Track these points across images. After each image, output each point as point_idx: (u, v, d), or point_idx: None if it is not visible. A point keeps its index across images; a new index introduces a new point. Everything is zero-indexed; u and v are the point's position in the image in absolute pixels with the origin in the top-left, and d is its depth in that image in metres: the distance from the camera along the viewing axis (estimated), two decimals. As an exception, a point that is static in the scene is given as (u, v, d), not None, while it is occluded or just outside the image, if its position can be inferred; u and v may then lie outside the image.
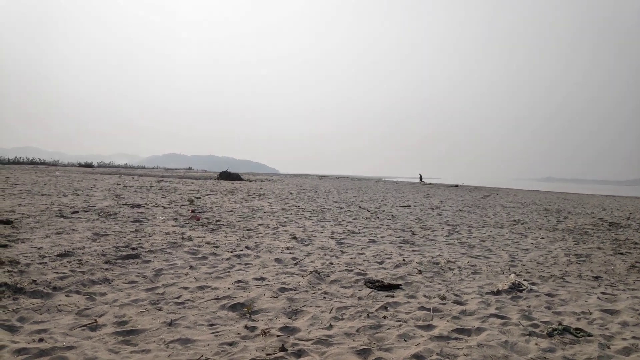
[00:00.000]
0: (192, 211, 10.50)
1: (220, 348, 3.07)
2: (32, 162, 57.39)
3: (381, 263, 6.00)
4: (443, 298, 4.49)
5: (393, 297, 4.48)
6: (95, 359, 2.79)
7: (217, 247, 6.46)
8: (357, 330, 3.52)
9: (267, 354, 3.00)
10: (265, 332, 3.38)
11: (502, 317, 3.98)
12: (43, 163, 59.62)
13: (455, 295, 4.64)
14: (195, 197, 14.48)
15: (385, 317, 3.88)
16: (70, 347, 2.93)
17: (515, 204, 20.44)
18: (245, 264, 5.56)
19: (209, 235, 7.46)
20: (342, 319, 3.80)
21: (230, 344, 3.14)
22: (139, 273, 4.85)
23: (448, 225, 10.77)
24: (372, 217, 11.79)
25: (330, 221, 10.31)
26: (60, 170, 34.83)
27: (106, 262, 5.14)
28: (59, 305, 3.71)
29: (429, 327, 3.66)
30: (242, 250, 6.32)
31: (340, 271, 5.40)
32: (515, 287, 4.88)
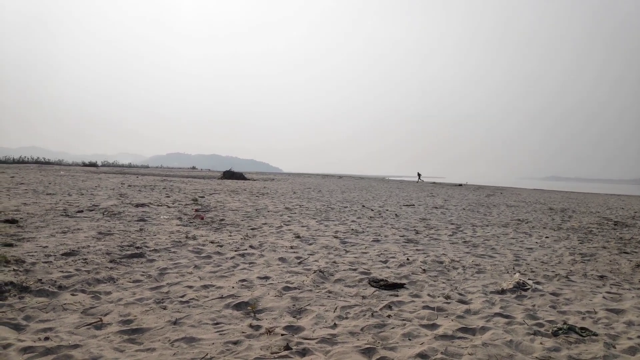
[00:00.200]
0: (196, 210, 10.53)
1: (225, 347, 3.08)
2: (37, 162, 57.65)
3: (385, 262, 6.00)
4: (447, 297, 4.48)
5: (397, 296, 4.47)
6: (101, 358, 2.80)
7: (221, 246, 6.47)
8: (362, 329, 3.52)
9: (272, 353, 3.01)
10: (269, 331, 3.39)
11: (506, 316, 3.97)
12: (48, 163, 59.88)
13: (460, 294, 4.63)
14: (199, 197, 14.51)
15: (389, 316, 3.88)
16: (75, 346, 2.94)
17: (519, 203, 20.37)
18: (250, 263, 5.57)
19: (213, 234, 7.47)
20: (347, 318, 3.80)
21: (235, 343, 3.15)
22: (143, 272, 4.86)
23: (452, 224, 10.74)
24: (375, 216, 11.78)
25: (334, 220, 10.31)
26: (65, 170, 34.97)
27: (111, 261, 5.16)
28: (65, 304, 3.73)
29: (433, 326, 3.66)
30: (246, 250, 6.33)
31: (344, 270, 5.40)
32: (520, 286, 4.87)
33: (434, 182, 58.40)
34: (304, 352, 3.06)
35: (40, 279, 4.22)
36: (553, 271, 5.88)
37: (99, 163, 68.13)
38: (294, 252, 6.34)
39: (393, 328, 3.58)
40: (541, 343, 3.37)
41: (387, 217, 11.56)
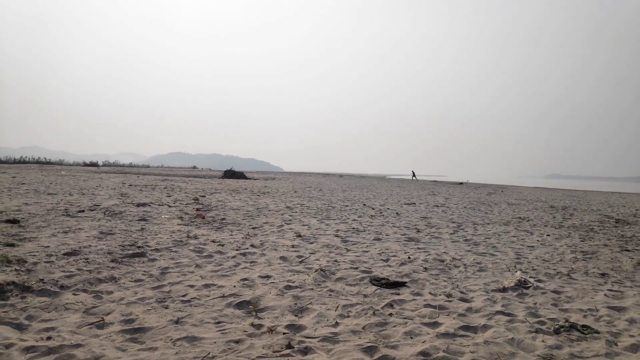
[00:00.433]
0: (198, 210, 10.53)
1: (226, 346, 3.08)
2: (38, 162, 57.72)
3: (386, 261, 6.00)
4: (449, 295, 4.48)
5: (399, 294, 4.47)
6: (103, 357, 2.81)
7: (222, 245, 6.48)
8: (363, 328, 3.53)
9: (274, 352, 3.01)
10: (271, 330, 3.39)
11: (508, 314, 3.97)
12: (49, 162, 59.94)
13: (461, 292, 4.63)
14: (200, 196, 14.52)
15: (391, 314, 3.88)
16: (77, 345, 2.94)
17: (520, 201, 20.36)
18: (251, 262, 5.58)
19: (215, 233, 7.48)
20: (348, 316, 3.80)
21: (237, 342, 3.15)
22: (145, 271, 4.87)
23: (453, 222, 10.74)
24: (376, 214, 11.78)
25: (335, 219, 10.31)
26: (66, 170, 35.01)
27: (112, 261, 5.16)
28: (66, 303, 3.73)
29: (435, 325, 3.66)
30: (247, 249, 6.33)
31: (345, 269, 5.40)
32: (521, 284, 4.87)
33: (435, 181, 58.37)
34: (305, 351, 3.06)
35: (42, 279, 4.23)
36: (554, 269, 5.88)
37: (100, 163, 68.19)
38: (295, 251, 6.35)
39: (395, 326, 3.58)
40: (543, 341, 3.37)
41: (388, 216, 11.56)
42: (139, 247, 5.96)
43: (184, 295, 4.13)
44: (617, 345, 3.34)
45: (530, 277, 5.28)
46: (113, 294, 4.07)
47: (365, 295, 4.39)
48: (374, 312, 3.88)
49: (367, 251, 6.61)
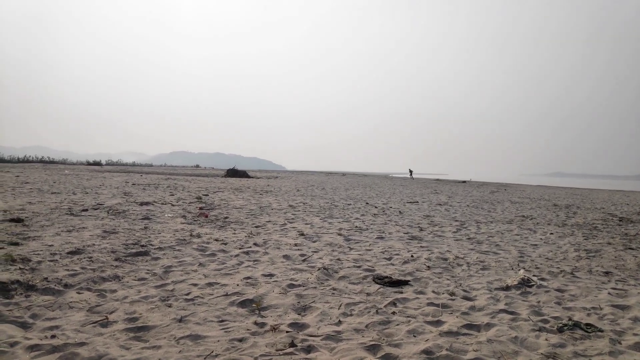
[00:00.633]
0: (200, 208, 10.55)
1: (230, 344, 3.09)
2: (42, 161, 57.91)
3: (389, 259, 6.00)
4: (452, 294, 4.47)
5: (402, 293, 4.47)
6: (107, 355, 2.82)
7: (225, 244, 6.49)
8: (366, 326, 3.53)
9: (277, 350, 3.02)
10: (274, 328, 3.39)
11: (511, 313, 3.96)
12: (52, 162, 60.13)
13: (464, 291, 4.63)
14: (203, 195, 14.54)
15: (394, 313, 3.88)
16: (82, 344, 2.95)
17: (523, 199, 20.31)
18: (254, 261, 5.58)
19: (218, 232, 7.49)
20: (351, 314, 3.80)
21: (240, 340, 3.16)
22: (148, 270, 4.88)
23: (456, 221, 10.73)
24: (379, 213, 11.78)
25: (337, 218, 10.31)
26: (69, 169, 35.11)
27: (116, 260, 5.18)
28: (70, 302, 3.75)
29: (438, 323, 3.66)
30: (250, 247, 6.34)
31: (348, 267, 5.41)
32: (525, 283, 4.86)
33: (437, 179, 58.32)
34: (309, 349, 3.06)
35: (46, 278, 4.24)
36: (558, 267, 5.87)
37: (103, 162, 68.37)
38: (298, 250, 6.35)
39: (398, 325, 3.58)
40: (546, 339, 3.36)
41: (390, 214, 11.55)
42: (142, 245, 5.97)
43: (187, 294, 4.14)
44: (620, 344, 3.33)
45: (533, 275, 5.27)
46: (117, 292, 4.09)
47: (368, 294, 4.39)
48: (377, 311, 3.88)
49: (370, 250, 6.62)
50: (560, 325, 3.64)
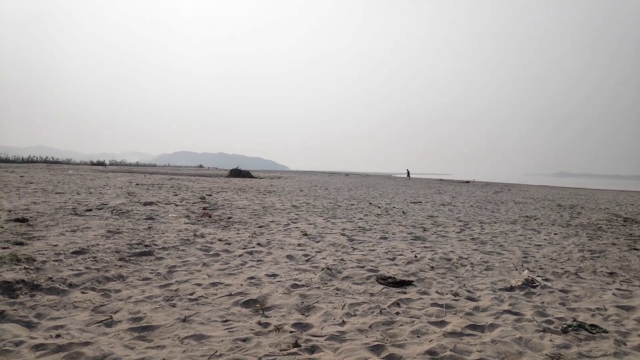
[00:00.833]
0: (204, 208, 10.57)
1: (234, 344, 3.09)
2: (46, 161, 58.14)
3: (393, 259, 5.99)
4: (456, 294, 4.47)
5: (405, 293, 4.46)
6: (111, 355, 2.82)
7: (229, 244, 6.50)
8: (370, 327, 3.52)
9: (281, 350, 3.02)
10: (278, 328, 3.40)
11: (515, 314, 3.95)
12: (56, 162, 60.37)
13: (468, 291, 4.62)
14: (207, 195, 14.57)
15: (397, 313, 3.88)
16: (86, 343, 2.96)
17: (527, 199, 20.26)
18: (258, 261, 5.59)
19: (221, 232, 7.50)
20: (355, 315, 3.80)
21: (244, 340, 3.16)
22: (152, 270, 4.90)
23: (460, 221, 10.71)
24: (383, 213, 11.77)
25: (341, 218, 10.31)
26: (73, 169, 35.24)
27: (120, 259, 5.19)
28: (75, 301, 3.76)
29: (442, 324, 3.65)
30: (254, 247, 6.35)
31: (351, 267, 5.40)
32: (529, 283, 4.84)
33: (441, 179, 58.23)
34: (312, 349, 3.07)
35: (51, 277, 4.26)
36: (562, 268, 5.85)
37: (107, 162, 68.59)
38: (302, 250, 6.35)
39: (401, 325, 3.58)
40: (551, 340, 3.35)
41: (394, 215, 11.54)
42: (146, 245, 5.99)
43: (191, 294, 4.14)
44: (625, 345, 3.32)
45: (537, 276, 5.25)
46: (121, 292, 4.10)
47: (371, 294, 4.39)
48: (380, 311, 3.88)
49: (373, 250, 6.61)
50: (565, 326, 3.62)
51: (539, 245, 7.65)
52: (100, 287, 4.18)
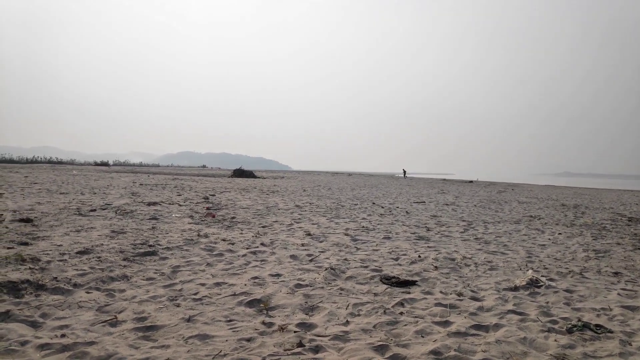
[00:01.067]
0: (208, 208, 10.59)
1: (238, 344, 3.10)
2: (50, 162, 58.36)
3: (396, 259, 5.99)
4: (460, 294, 4.46)
5: (409, 293, 4.46)
6: (116, 354, 2.83)
7: (233, 244, 6.50)
8: (374, 326, 3.52)
9: (285, 350, 3.02)
10: (282, 328, 3.40)
11: (520, 313, 3.94)
12: (60, 162, 60.58)
13: (472, 291, 4.61)
14: (210, 195, 14.59)
15: (401, 313, 3.87)
16: (91, 343, 2.97)
17: (531, 199, 20.20)
18: (261, 261, 5.59)
19: (225, 232, 7.51)
20: (359, 315, 3.80)
21: (248, 340, 3.17)
22: (156, 270, 4.91)
23: (463, 221, 10.69)
24: (386, 213, 11.76)
25: (344, 218, 10.30)
26: (77, 169, 35.36)
27: (124, 259, 5.21)
28: (80, 301, 3.77)
29: (446, 323, 3.64)
30: (257, 247, 6.35)
31: (355, 267, 5.40)
32: (533, 283, 4.83)
33: (444, 179, 58.14)
34: (316, 349, 3.07)
35: (56, 277, 4.28)
36: (566, 268, 5.83)
37: (111, 162, 68.80)
38: (305, 250, 6.35)
39: (405, 325, 3.58)
40: (555, 340, 3.34)
41: (397, 214, 11.53)
42: (150, 245, 6.00)
43: (195, 294, 4.15)
44: (631, 345, 3.31)
45: (542, 276, 5.24)
46: (125, 292, 4.11)
47: (375, 294, 4.39)
48: (384, 311, 3.88)
49: (377, 250, 6.60)
50: (570, 326, 3.61)
51: (543, 245, 7.62)
52: (105, 287, 4.20)
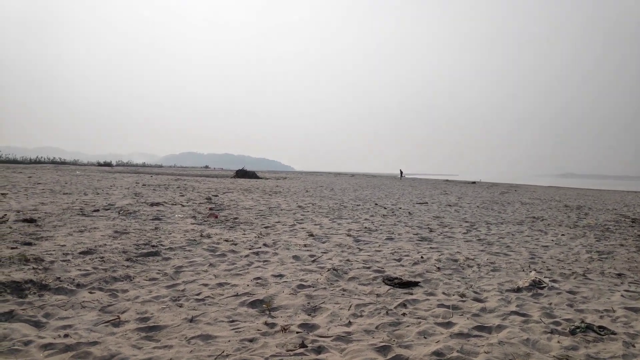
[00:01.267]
0: (210, 209, 10.60)
1: (240, 344, 3.10)
2: (53, 162, 58.55)
3: (399, 260, 5.98)
4: (462, 295, 4.45)
5: (412, 294, 4.46)
6: (119, 355, 2.84)
7: (235, 244, 6.51)
8: (377, 327, 3.52)
9: (287, 350, 3.02)
10: (284, 329, 3.40)
11: (523, 315, 3.93)
12: (64, 163, 60.79)
13: (475, 292, 4.60)
14: (213, 195, 14.61)
15: (404, 314, 3.87)
16: (94, 343, 2.98)
17: (534, 200, 20.15)
18: (264, 261, 5.60)
19: (227, 232, 7.52)
20: (361, 315, 3.80)
21: (251, 340, 3.17)
22: (159, 270, 4.92)
23: (466, 222, 10.67)
24: (388, 214, 11.75)
25: (346, 218, 10.30)
26: (81, 170, 35.47)
27: (127, 260, 5.22)
28: (83, 301, 3.78)
29: (448, 325, 3.64)
30: (260, 248, 6.36)
31: (358, 268, 5.40)
32: (536, 285, 4.82)
33: (447, 180, 58.07)
34: (319, 350, 3.07)
35: (59, 277, 4.29)
36: (570, 269, 5.81)
37: (114, 163, 68.97)
38: (308, 250, 6.36)
39: (408, 326, 3.57)
40: (559, 342, 3.33)
41: (400, 215, 11.52)
42: (153, 246, 6.01)
43: (198, 294, 4.16)
44: (634, 347, 3.29)
45: (545, 277, 5.22)
46: (128, 292, 4.12)
47: (378, 295, 4.39)
48: (387, 312, 3.88)
49: (379, 251, 6.60)
50: (573, 327, 3.60)
51: (546, 246, 7.60)
52: (108, 287, 4.21)
